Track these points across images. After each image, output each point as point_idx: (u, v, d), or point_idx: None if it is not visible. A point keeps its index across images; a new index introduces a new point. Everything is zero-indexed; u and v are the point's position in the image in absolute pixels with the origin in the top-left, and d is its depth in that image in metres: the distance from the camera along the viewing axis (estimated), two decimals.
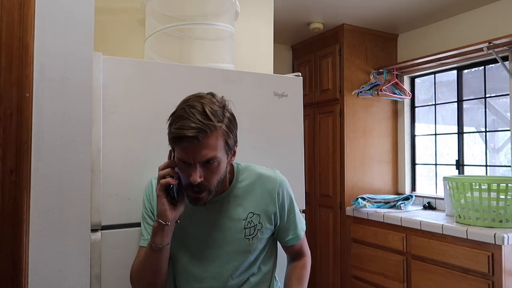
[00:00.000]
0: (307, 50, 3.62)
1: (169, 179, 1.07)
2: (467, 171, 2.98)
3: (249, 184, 1.22)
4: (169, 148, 1.11)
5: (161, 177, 1.08)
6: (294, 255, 1.35)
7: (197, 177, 1.04)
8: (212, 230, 1.19)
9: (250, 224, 1.20)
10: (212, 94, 1.10)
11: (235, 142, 1.14)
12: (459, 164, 3.00)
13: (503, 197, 2.21)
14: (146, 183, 1.25)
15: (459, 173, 2.99)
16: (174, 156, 1.09)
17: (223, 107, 1.08)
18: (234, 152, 1.16)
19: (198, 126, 1.01)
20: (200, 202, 1.10)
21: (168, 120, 1.07)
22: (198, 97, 1.07)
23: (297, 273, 1.32)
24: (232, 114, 1.12)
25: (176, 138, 1.03)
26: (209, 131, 1.03)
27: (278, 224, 1.26)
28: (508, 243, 2.06)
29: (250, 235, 1.20)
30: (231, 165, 1.22)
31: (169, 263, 1.18)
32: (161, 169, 1.09)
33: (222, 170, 1.10)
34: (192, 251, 1.20)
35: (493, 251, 2.09)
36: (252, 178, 1.23)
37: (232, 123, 1.11)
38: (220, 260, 1.19)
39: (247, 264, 1.22)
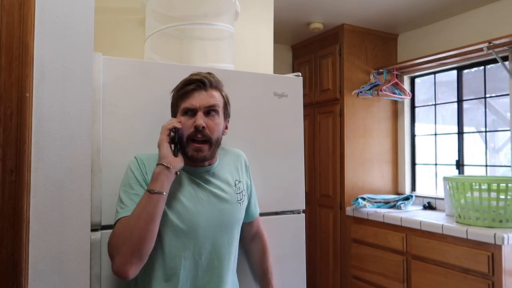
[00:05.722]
0: (307, 50, 3.62)
1: (174, 122, 1.13)
2: (467, 171, 2.98)
3: (224, 158, 1.29)
4: None
5: (165, 128, 1.13)
6: (254, 234, 1.38)
7: (202, 121, 1.12)
8: (209, 198, 1.19)
9: (239, 190, 1.26)
10: None
11: (229, 116, 1.25)
12: (459, 164, 3.00)
13: (503, 197, 2.21)
14: None
15: (459, 173, 2.99)
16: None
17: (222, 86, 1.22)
18: (227, 126, 1.25)
19: (205, 76, 1.16)
20: (201, 154, 1.14)
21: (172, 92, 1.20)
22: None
23: (269, 261, 1.39)
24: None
25: (186, 83, 1.14)
26: (214, 84, 1.17)
27: (250, 193, 1.33)
28: (508, 243, 2.06)
29: (241, 200, 1.25)
30: None
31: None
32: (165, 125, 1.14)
33: (220, 128, 1.18)
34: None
35: (493, 251, 2.09)
36: (222, 152, 1.30)
37: (229, 99, 1.23)
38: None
39: (236, 233, 1.24)
